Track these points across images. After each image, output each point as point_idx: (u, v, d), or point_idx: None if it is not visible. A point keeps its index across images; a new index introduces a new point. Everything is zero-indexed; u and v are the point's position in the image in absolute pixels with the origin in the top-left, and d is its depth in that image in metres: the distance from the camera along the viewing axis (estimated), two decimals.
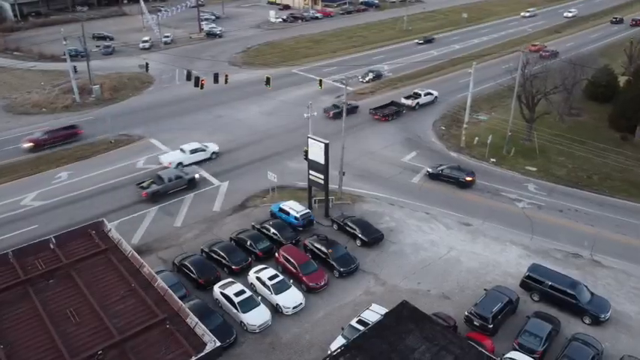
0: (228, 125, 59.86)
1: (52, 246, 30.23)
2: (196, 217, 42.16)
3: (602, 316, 30.75)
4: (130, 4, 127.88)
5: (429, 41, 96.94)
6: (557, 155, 53.08)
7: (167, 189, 44.55)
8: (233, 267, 34.63)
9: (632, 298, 33.45)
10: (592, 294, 31.98)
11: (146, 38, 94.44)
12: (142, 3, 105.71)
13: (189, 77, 57.16)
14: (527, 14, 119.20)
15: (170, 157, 49.59)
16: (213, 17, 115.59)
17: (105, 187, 46.33)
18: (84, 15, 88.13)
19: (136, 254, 29.70)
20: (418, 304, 32.09)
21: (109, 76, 76.94)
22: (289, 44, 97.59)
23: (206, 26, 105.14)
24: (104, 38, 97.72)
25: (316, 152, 39.63)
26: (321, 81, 55.44)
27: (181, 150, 50.36)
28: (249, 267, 35.08)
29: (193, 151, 50.01)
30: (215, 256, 35.65)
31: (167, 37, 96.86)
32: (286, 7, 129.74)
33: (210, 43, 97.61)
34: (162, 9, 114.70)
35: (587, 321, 31.02)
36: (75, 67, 67.36)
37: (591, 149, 53.80)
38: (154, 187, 44.24)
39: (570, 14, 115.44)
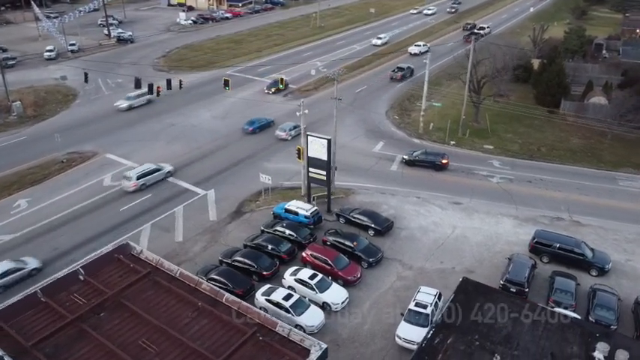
0: (186, 132, 57.19)
1: (81, 277, 27.49)
2: (195, 229, 40.22)
3: (606, 267, 34.98)
4: (13, 11, 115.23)
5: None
6: (505, 133, 58.32)
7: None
8: (264, 273, 33.80)
9: (617, 248, 38.21)
10: (592, 249, 36.15)
11: (50, 47, 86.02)
12: (37, 9, 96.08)
13: (138, 85, 53.92)
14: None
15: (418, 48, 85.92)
16: (116, 22, 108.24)
17: (78, 210, 42.36)
18: None
19: (186, 271, 28.05)
20: (450, 281, 34.32)
21: (20, 91, 69.25)
22: (210, 46, 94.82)
23: (113, 31, 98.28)
24: None
25: (317, 149, 39.76)
26: (282, 79, 55.21)
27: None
28: (277, 271, 34.48)
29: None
30: (240, 265, 34.46)
31: (73, 45, 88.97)
32: (190, 8, 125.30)
33: (123, 50, 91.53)
34: (51, 15, 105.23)
35: (593, 273, 35.00)
36: None
37: (529, 125, 59.99)
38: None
39: (380, 41, 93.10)
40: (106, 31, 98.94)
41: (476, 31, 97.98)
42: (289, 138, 53.89)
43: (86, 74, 56.72)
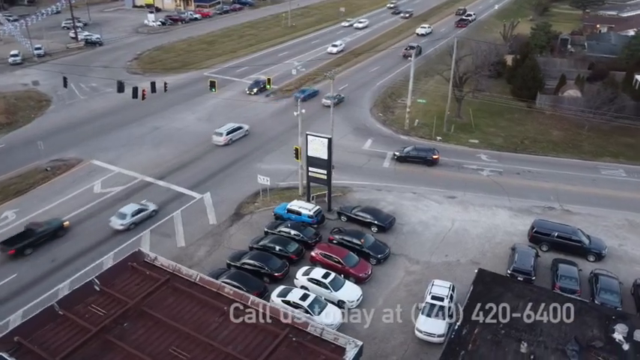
0: (172, 136, 56.09)
1: (97, 288, 26.67)
2: (196, 233, 39.59)
3: (603, 252, 36.49)
4: None
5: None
6: (488, 127, 59.82)
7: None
8: (275, 274, 33.63)
9: (608, 234, 39.80)
10: (588, 236, 37.59)
11: (15, 52, 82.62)
12: None
13: (121, 89, 52.44)
14: None
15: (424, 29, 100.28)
16: (80, 24, 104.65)
17: (71, 220, 40.81)
18: None
19: (206, 276, 27.62)
20: (457, 273, 35.18)
21: None
22: (182, 47, 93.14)
23: (80, 34, 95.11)
24: None
25: (317, 148, 39.75)
26: (269, 80, 54.90)
27: None
28: (288, 272, 34.37)
29: None
30: (250, 267, 34.14)
31: (39, 49, 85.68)
32: (157, 9, 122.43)
33: (92, 53, 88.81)
34: (10, 18, 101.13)
35: (591, 259, 36.43)
36: None
37: (510, 119, 61.81)
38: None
39: (335, 49, 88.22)
40: (72, 34, 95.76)
41: (464, 17, 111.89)
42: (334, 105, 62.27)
43: (65, 78, 54.32)
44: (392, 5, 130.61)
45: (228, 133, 53.67)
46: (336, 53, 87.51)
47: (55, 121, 60.06)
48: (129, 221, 39.68)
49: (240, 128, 55.40)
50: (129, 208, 40.47)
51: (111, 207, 42.62)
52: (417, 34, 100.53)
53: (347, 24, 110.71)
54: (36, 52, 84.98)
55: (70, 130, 57.40)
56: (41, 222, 38.89)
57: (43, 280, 34.66)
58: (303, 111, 42.50)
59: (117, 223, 39.63)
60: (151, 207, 41.77)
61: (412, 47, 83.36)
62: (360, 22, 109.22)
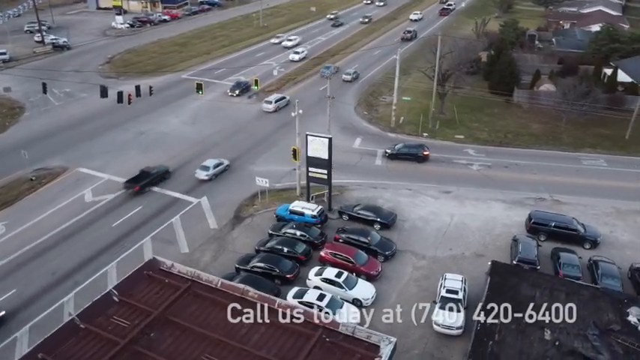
0: (159, 140, 54.92)
1: (116, 299, 25.93)
2: (198, 238, 39.00)
3: (598, 239, 38.02)
4: None
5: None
6: (471, 122, 61.19)
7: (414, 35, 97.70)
8: (287, 276, 33.52)
9: (598, 222, 41.38)
10: (583, 225, 39.06)
11: None
12: None
13: (104, 93, 51.04)
14: None
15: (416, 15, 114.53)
16: (44, 27, 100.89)
17: (66, 230, 39.71)
18: None
19: (227, 281, 27.29)
20: (464, 266, 35.95)
21: None
22: (154, 50, 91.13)
23: (45, 38, 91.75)
24: None
25: (318, 148, 39.78)
26: (256, 80, 54.52)
27: None
28: (299, 273, 34.32)
29: None
30: (260, 270, 33.91)
31: (4, 54, 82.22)
32: (123, 11, 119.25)
33: (60, 57, 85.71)
34: None
35: (587, 246, 37.86)
36: None
37: (490, 114, 63.41)
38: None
39: (297, 56, 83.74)
40: (37, 38, 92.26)
41: (446, 6, 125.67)
42: (352, 80, 72.39)
43: (44, 84, 52.35)
44: (332, 16, 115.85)
45: (276, 102, 62.61)
46: (298, 61, 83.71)
47: (32, 129, 57.78)
48: (212, 172, 46.85)
49: (284, 98, 64.31)
50: (210, 162, 47.81)
51: (105, 215, 41.48)
52: (411, 19, 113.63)
53: (277, 40, 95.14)
54: (1, 57, 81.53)
55: (50, 137, 55.35)
56: (152, 167, 46.82)
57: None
58: (301, 111, 42.39)
59: (202, 174, 46.70)
60: (225, 162, 49.05)
61: (409, 31, 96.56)
62: (290, 40, 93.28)
